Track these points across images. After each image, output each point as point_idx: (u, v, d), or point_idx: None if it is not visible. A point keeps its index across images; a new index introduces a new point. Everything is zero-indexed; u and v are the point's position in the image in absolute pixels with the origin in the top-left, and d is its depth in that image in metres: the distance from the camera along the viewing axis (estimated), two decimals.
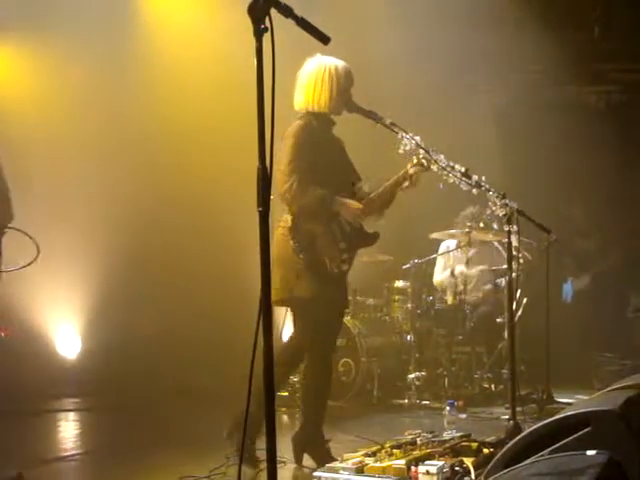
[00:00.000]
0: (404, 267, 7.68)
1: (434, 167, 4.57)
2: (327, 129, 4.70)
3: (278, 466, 2.51)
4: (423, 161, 4.56)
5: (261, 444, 2.45)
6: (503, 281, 7.75)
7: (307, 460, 4.63)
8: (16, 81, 7.73)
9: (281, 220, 4.58)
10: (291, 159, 4.44)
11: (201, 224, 8.12)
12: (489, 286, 7.83)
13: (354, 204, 4.61)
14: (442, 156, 4.60)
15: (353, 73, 4.66)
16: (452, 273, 7.71)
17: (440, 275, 8.11)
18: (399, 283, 7.89)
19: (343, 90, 4.59)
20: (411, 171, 4.62)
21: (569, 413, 2.62)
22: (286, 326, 7.74)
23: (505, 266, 5.37)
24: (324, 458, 4.39)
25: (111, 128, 7.77)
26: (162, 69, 7.76)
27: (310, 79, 4.58)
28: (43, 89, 7.62)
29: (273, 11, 2.46)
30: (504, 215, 4.76)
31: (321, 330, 4.66)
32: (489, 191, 4.70)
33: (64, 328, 8.22)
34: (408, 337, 7.54)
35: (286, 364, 4.63)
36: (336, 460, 4.09)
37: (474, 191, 4.67)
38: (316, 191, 4.45)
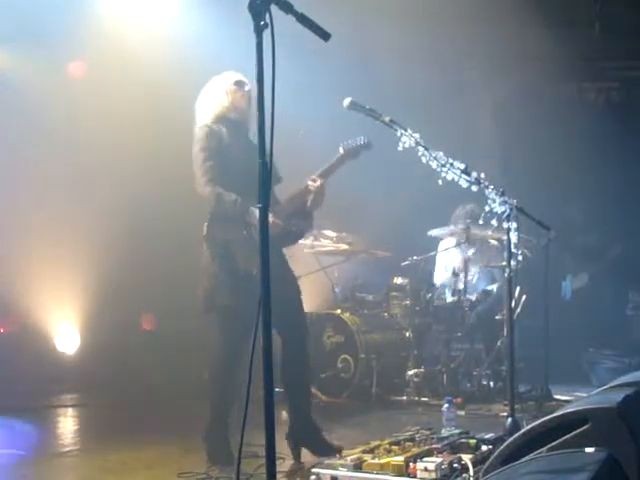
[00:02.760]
0: (403, 264, 7.67)
1: (433, 164, 4.58)
2: (238, 133, 4.74)
3: (277, 462, 2.51)
4: (313, 185, 4.68)
5: (261, 440, 2.45)
6: (494, 288, 7.77)
7: (306, 456, 4.64)
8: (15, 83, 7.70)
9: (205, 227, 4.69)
10: (201, 163, 4.54)
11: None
12: (480, 292, 7.84)
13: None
14: (441, 153, 4.60)
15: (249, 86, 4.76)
16: (454, 272, 7.71)
17: (441, 275, 8.11)
18: (398, 280, 7.88)
19: (241, 98, 4.72)
20: (311, 188, 4.71)
21: (567, 410, 2.62)
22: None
23: (504, 263, 5.37)
24: (322, 448, 4.40)
25: (107, 129, 7.76)
26: (151, 68, 7.74)
27: (210, 93, 4.77)
28: (40, 90, 7.60)
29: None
30: (503, 212, 4.76)
31: (284, 328, 4.68)
32: (488, 188, 4.70)
33: (63, 324, 8.23)
34: (407, 334, 7.54)
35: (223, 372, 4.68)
36: (335, 448, 4.10)
37: (473, 188, 4.68)
38: (230, 196, 4.50)
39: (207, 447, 4.63)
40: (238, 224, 4.53)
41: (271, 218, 4.55)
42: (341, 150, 4.76)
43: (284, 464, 4.52)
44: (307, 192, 4.72)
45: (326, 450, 4.43)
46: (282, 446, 4.57)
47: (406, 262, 7.66)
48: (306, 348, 4.96)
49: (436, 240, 8.13)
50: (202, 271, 4.64)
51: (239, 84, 4.72)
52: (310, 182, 4.69)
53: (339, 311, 7.56)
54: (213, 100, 4.72)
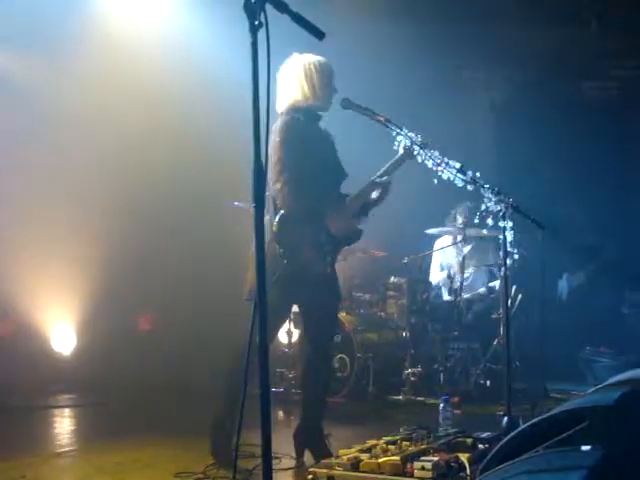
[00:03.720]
0: (403, 261, 7.67)
1: (429, 163, 4.58)
2: (314, 124, 4.66)
3: (273, 462, 2.51)
4: (381, 181, 4.66)
5: (257, 440, 2.45)
6: (497, 285, 7.78)
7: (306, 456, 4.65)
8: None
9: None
10: (279, 157, 4.40)
11: (198, 223, 8.12)
12: (483, 289, 7.84)
13: (346, 221, 4.63)
14: (437, 152, 4.60)
15: (333, 67, 4.64)
16: (449, 276, 7.71)
17: (437, 275, 8.12)
18: (394, 279, 7.88)
19: (325, 84, 4.56)
20: (378, 182, 4.68)
21: (564, 409, 2.61)
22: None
23: (500, 262, 5.38)
24: (322, 454, 4.39)
25: (106, 130, 7.76)
26: (152, 73, 7.73)
27: (290, 77, 4.55)
28: (40, 91, 7.59)
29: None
30: (499, 211, 4.76)
31: (316, 329, 4.71)
32: (484, 187, 4.70)
33: (59, 324, 8.22)
34: (403, 333, 7.55)
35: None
36: (333, 455, 4.09)
37: (469, 187, 4.68)
38: (310, 202, 4.43)
39: (211, 439, 4.58)
40: (312, 224, 4.52)
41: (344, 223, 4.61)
42: (401, 150, 4.70)
43: (281, 464, 4.52)
44: (373, 188, 4.70)
45: (326, 458, 4.42)
46: (279, 446, 4.57)
47: (403, 261, 7.66)
48: (330, 352, 5.01)
49: (432, 239, 8.14)
50: (252, 262, 4.51)
51: (325, 67, 4.60)
52: (377, 179, 4.68)
53: None
54: (296, 83, 4.54)
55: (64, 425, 6.52)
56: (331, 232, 4.58)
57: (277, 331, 4.87)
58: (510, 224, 4.81)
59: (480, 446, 4.11)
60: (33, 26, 7.11)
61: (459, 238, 7.72)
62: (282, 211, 4.43)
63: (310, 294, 4.56)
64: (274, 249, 4.41)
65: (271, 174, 4.39)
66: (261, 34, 2.42)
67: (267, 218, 4.59)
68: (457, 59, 8.72)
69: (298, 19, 2.57)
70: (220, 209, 7.25)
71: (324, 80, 4.56)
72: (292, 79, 4.54)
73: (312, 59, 4.57)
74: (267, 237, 4.46)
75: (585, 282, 9.20)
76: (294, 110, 4.54)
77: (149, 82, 7.64)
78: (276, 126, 4.49)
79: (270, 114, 2.44)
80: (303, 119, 4.54)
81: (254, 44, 2.42)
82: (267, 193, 2.60)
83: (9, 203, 7.50)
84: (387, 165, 4.73)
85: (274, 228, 4.44)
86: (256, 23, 2.41)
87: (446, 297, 7.86)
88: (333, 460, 3.84)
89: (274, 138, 4.45)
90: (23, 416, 6.61)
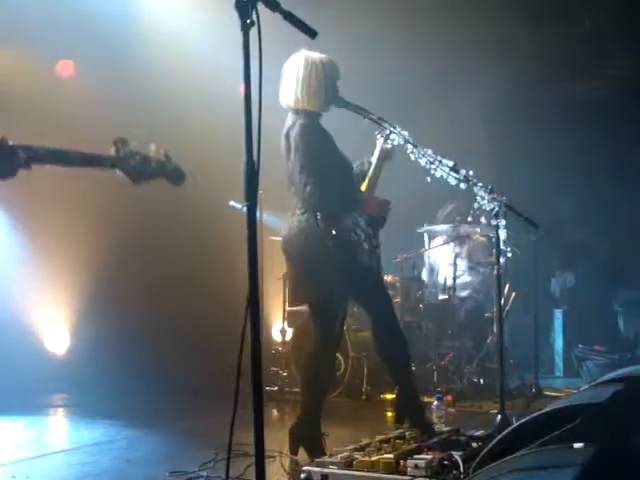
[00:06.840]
0: (393, 261, 7.68)
1: (422, 161, 4.59)
2: (319, 124, 4.69)
3: (267, 461, 2.51)
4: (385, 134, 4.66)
5: (250, 439, 2.45)
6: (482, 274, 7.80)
7: (300, 454, 4.64)
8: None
9: (302, 222, 4.56)
10: (304, 163, 4.43)
11: (193, 223, 8.12)
12: (468, 291, 7.85)
13: (377, 200, 4.73)
14: (430, 150, 4.61)
15: (339, 66, 4.66)
16: (438, 270, 7.74)
17: (430, 273, 8.13)
18: (388, 278, 7.88)
19: (330, 85, 4.58)
20: (387, 147, 4.68)
21: (557, 406, 2.62)
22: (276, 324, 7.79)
23: (493, 260, 5.39)
24: (317, 453, 4.39)
25: (102, 132, 7.73)
26: (155, 80, 7.73)
27: (297, 77, 4.56)
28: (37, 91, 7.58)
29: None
30: (492, 209, 4.76)
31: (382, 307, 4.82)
32: (477, 185, 4.71)
33: (52, 324, 8.20)
34: None
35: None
36: (326, 454, 4.09)
37: (462, 185, 4.68)
38: (338, 199, 4.48)
39: (305, 444, 4.58)
40: (346, 221, 4.56)
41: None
42: (377, 151, 4.74)
43: (274, 462, 4.51)
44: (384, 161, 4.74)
45: (320, 456, 4.42)
46: (273, 444, 4.57)
47: (396, 259, 7.67)
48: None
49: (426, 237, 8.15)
50: (316, 265, 4.54)
51: (333, 68, 4.64)
52: (384, 146, 4.69)
53: None
54: (304, 85, 4.57)
55: (57, 424, 6.51)
56: (366, 219, 4.65)
57: (342, 328, 4.90)
58: (503, 223, 4.81)
59: (473, 444, 4.12)
60: (31, 26, 7.09)
61: (452, 237, 7.73)
62: (315, 210, 4.47)
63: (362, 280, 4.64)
64: (319, 245, 4.46)
65: (298, 179, 4.45)
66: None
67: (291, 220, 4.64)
68: (448, 58, 8.72)
69: (290, 18, 2.57)
70: (218, 210, 7.26)
71: (328, 82, 4.59)
72: (297, 79, 4.56)
73: (318, 60, 4.58)
74: (298, 238, 4.54)
75: (578, 280, 9.23)
76: (304, 112, 4.56)
77: (145, 79, 7.65)
78: (295, 132, 4.50)
79: (262, 113, 2.44)
80: (313, 120, 4.57)
81: (245, 43, 2.41)
82: (260, 192, 2.59)
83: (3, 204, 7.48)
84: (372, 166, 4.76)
85: (317, 226, 4.47)
86: (248, 22, 2.40)
87: (440, 296, 7.87)
88: (327, 458, 3.83)
89: (295, 145, 4.48)
90: (16, 416, 6.59)
